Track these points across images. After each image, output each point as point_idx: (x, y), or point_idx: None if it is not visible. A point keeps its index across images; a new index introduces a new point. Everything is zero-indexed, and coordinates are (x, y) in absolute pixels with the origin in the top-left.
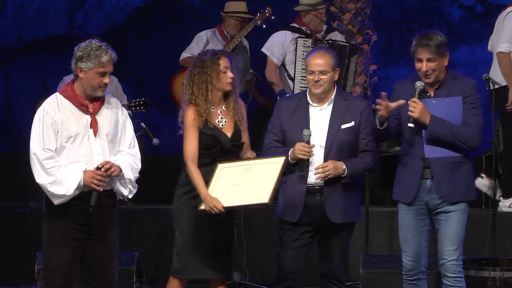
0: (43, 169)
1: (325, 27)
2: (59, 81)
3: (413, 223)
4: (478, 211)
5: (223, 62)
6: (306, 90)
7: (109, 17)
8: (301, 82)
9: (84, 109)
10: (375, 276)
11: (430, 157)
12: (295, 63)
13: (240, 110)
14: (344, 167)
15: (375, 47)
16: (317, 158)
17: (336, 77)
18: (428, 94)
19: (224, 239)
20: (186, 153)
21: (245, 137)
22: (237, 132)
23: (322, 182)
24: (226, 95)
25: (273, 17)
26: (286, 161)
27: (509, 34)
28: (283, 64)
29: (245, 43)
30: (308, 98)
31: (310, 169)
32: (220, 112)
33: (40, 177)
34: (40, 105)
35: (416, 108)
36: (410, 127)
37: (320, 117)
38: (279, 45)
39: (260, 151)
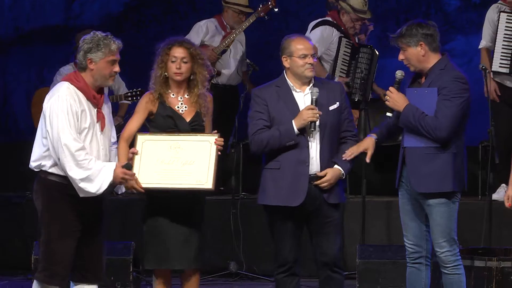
0: (74, 161)
1: (357, 34)
2: (55, 71)
3: (409, 208)
4: (474, 201)
5: (174, 52)
6: (280, 77)
7: (105, 7)
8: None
9: (95, 102)
10: (371, 266)
11: (407, 146)
12: (336, 62)
13: (203, 100)
14: (342, 172)
15: (371, 37)
16: (313, 142)
17: None
18: (418, 81)
19: (190, 229)
20: (123, 130)
21: (208, 129)
22: (197, 117)
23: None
24: (190, 84)
25: (276, 10)
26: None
27: (483, 31)
28: (319, 58)
29: (241, 35)
30: (290, 84)
31: (309, 161)
32: (181, 98)
33: (71, 171)
34: (38, 95)
35: (390, 97)
36: (387, 116)
37: (306, 102)
38: (327, 40)
39: (251, 139)
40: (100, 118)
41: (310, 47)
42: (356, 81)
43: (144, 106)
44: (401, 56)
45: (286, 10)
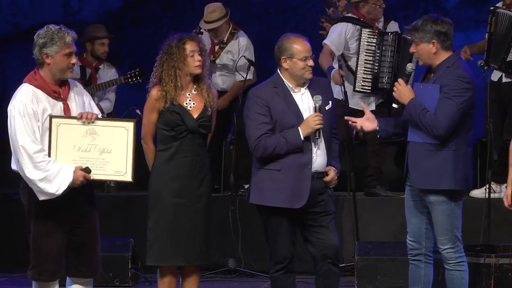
0: (32, 163)
1: (382, 17)
2: None
3: (411, 204)
4: (472, 198)
5: (189, 46)
6: (276, 77)
7: (104, 3)
8: (363, 73)
9: (56, 96)
10: (369, 262)
11: (410, 141)
12: (358, 54)
13: (210, 94)
14: (336, 171)
15: None
16: (315, 144)
17: None
18: (428, 77)
19: (197, 226)
20: (142, 132)
21: (212, 124)
22: (204, 113)
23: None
24: (196, 79)
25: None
26: (135, 127)
27: None
28: (342, 55)
29: (234, 42)
30: (289, 85)
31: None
32: (189, 94)
33: (30, 172)
34: None
35: (397, 88)
36: (393, 107)
37: (305, 102)
38: (339, 35)
39: (254, 144)
40: (66, 110)
41: (310, 49)
42: (382, 70)
43: (153, 105)
44: (412, 49)
45: (285, 6)
